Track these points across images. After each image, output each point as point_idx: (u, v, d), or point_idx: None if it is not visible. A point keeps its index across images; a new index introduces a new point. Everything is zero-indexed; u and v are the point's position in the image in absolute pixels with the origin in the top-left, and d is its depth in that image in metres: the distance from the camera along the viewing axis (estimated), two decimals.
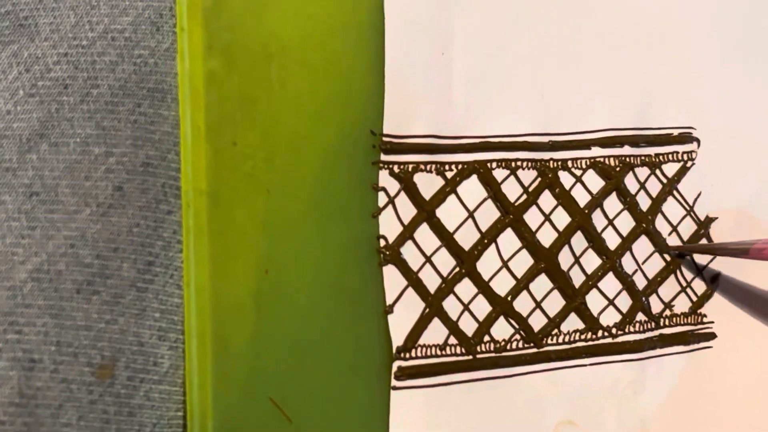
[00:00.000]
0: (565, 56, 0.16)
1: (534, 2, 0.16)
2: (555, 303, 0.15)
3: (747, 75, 0.18)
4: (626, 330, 0.16)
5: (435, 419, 0.15)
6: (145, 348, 0.14)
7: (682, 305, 0.16)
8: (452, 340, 0.14)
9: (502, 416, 0.15)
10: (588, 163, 0.16)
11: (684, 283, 0.16)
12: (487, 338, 0.15)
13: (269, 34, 0.14)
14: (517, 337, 0.15)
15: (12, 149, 0.14)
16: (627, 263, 0.16)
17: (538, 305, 0.15)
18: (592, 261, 0.16)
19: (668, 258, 0.16)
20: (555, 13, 0.16)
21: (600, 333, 0.15)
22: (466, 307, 0.14)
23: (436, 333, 0.14)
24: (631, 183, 0.16)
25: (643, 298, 0.16)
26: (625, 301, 0.16)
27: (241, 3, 0.14)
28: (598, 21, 0.17)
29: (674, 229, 0.17)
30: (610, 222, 0.16)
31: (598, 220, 0.16)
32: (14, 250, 0.14)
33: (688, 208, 0.17)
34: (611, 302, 0.16)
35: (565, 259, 0.15)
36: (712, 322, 0.17)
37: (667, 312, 0.16)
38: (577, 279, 0.15)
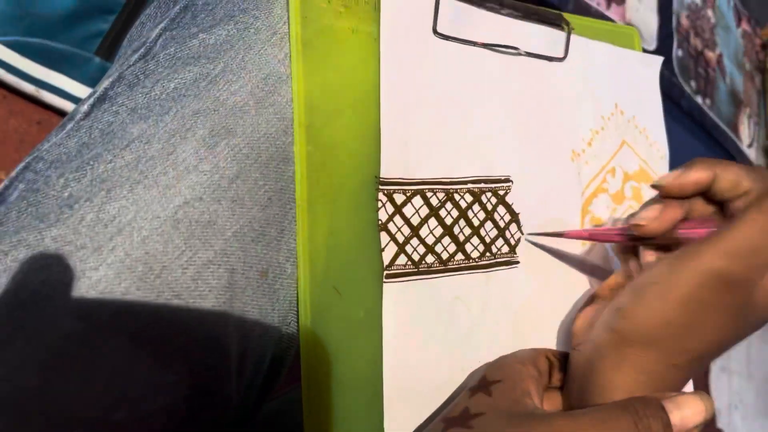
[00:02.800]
0: (459, 142, 0.33)
1: (449, 115, 0.33)
2: (451, 247, 0.32)
3: (543, 146, 0.37)
4: (484, 257, 0.34)
5: (402, 298, 0.30)
6: (281, 264, 0.29)
7: (506, 248, 0.35)
8: (407, 262, 0.32)
9: (431, 295, 0.31)
10: (465, 190, 0.34)
11: (508, 237, 0.35)
12: (423, 262, 0.32)
13: (333, 133, 0.30)
14: (436, 261, 0.32)
15: (223, 180, 0.28)
16: (483, 231, 0.35)
17: (444, 249, 0.33)
18: (465, 230, 0.33)
19: (501, 225, 0.35)
20: (456, 116, 0.33)
21: (471, 259, 0.33)
22: (414, 249, 0.32)
23: (402, 259, 0.32)
24: (484, 199, 0.35)
25: (492, 245, 0.34)
26: (481, 246, 0.34)
27: (320, 122, 0.31)
28: (478, 117, 0.36)
29: (493, 220, 0.36)
30: (475, 215, 0.34)
31: (470, 214, 0.34)
32: (224, 222, 0.27)
33: (505, 209, 0.36)
34: (475, 246, 0.34)
35: (457, 229, 0.34)
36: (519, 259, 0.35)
37: (499, 251, 0.35)
38: (461, 237, 0.33)
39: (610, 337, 0.26)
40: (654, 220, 0.28)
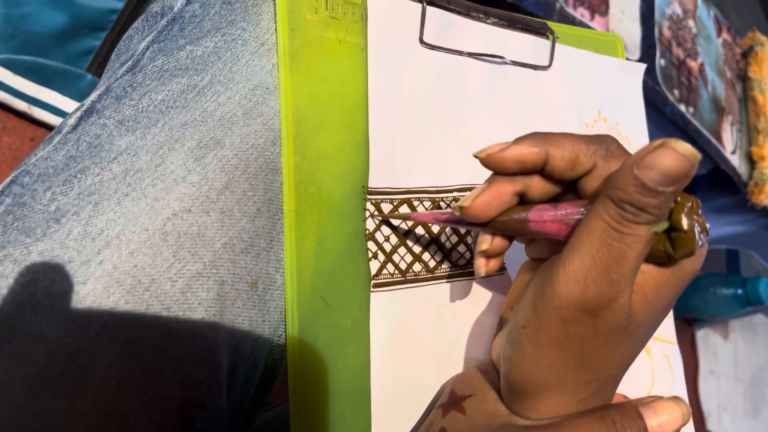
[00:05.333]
0: (446, 150, 0.33)
1: (435, 124, 0.33)
2: (438, 255, 0.33)
3: None
4: (471, 264, 0.34)
5: (390, 307, 0.30)
6: (270, 275, 0.29)
7: None
8: (395, 271, 0.32)
9: (418, 303, 0.31)
10: (452, 198, 0.34)
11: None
12: (410, 270, 0.32)
13: (320, 143, 0.30)
14: (423, 269, 0.32)
15: (212, 191, 0.27)
16: (470, 239, 0.35)
17: (431, 257, 0.33)
18: (452, 238, 0.33)
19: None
20: (442, 125, 0.34)
21: (458, 267, 0.33)
22: (401, 257, 0.33)
23: (389, 268, 0.32)
24: None
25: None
26: (467, 254, 0.34)
27: (308, 132, 0.31)
28: (465, 126, 0.36)
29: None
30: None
31: None
32: (213, 233, 0.27)
33: None
34: (462, 254, 0.34)
35: (443, 238, 0.34)
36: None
37: None
38: (448, 245, 0.34)
39: (507, 389, 0.25)
40: (475, 199, 0.24)
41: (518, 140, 0.24)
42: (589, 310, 0.21)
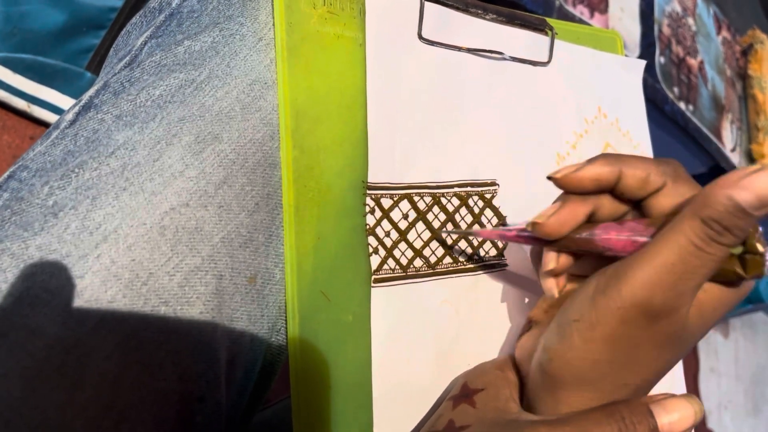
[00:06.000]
0: (445, 146, 0.33)
1: (435, 120, 0.33)
2: (439, 250, 0.32)
3: (528, 149, 0.37)
4: (472, 260, 0.34)
5: (391, 302, 0.30)
6: (269, 269, 0.29)
7: (493, 251, 0.35)
8: (395, 266, 0.32)
9: (419, 299, 0.31)
10: (452, 194, 0.34)
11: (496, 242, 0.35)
12: (411, 266, 0.32)
13: (319, 137, 0.30)
14: (424, 265, 0.32)
15: (210, 186, 0.27)
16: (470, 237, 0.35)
17: (432, 252, 0.33)
18: (454, 234, 0.34)
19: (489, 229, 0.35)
20: (441, 121, 0.34)
21: (459, 263, 0.33)
22: (402, 253, 0.32)
23: (390, 263, 0.32)
24: (471, 203, 0.35)
25: (479, 248, 0.35)
26: (468, 250, 0.34)
27: (306, 127, 0.31)
28: (464, 122, 0.35)
29: (482, 223, 0.36)
30: (462, 218, 0.35)
31: (458, 218, 0.35)
32: (211, 227, 0.26)
33: (492, 212, 0.36)
34: (463, 249, 0.34)
35: (444, 232, 0.34)
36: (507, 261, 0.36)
37: (486, 254, 0.35)
38: (449, 240, 0.34)
39: (542, 379, 0.25)
40: (551, 217, 0.25)
41: (592, 160, 0.25)
42: (652, 315, 0.22)
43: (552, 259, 0.26)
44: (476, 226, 0.33)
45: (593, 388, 0.23)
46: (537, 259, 0.29)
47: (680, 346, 0.23)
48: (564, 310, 0.24)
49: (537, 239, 0.27)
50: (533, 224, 0.25)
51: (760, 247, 0.22)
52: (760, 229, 0.22)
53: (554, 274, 0.27)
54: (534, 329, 0.28)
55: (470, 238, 0.34)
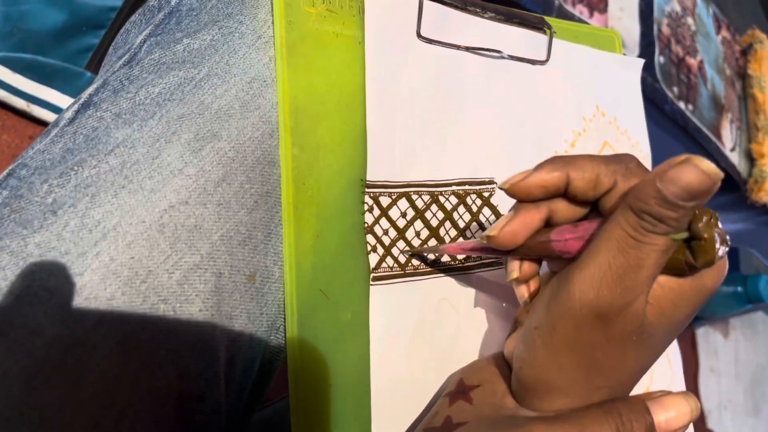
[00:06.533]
0: (444, 144, 0.33)
1: (433, 118, 0.33)
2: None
3: (526, 147, 0.38)
4: (470, 258, 0.34)
5: (389, 300, 0.30)
6: (268, 267, 0.29)
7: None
8: (394, 264, 0.32)
9: (418, 297, 0.31)
10: (450, 192, 0.34)
11: None
12: (410, 264, 0.32)
13: (318, 136, 0.30)
14: (422, 263, 0.32)
15: (209, 184, 0.27)
16: (469, 233, 0.35)
17: (431, 250, 0.33)
18: (451, 232, 0.34)
19: (487, 227, 0.35)
20: (440, 119, 0.34)
21: (457, 261, 0.33)
22: (401, 251, 0.32)
23: (388, 261, 0.32)
24: (469, 201, 0.35)
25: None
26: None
27: (306, 125, 0.31)
28: (462, 120, 0.35)
29: (481, 223, 0.36)
30: (460, 216, 0.35)
31: (456, 216, 0.35)
32: (210, 225, 0.26)
33: (490, 210, 0.36)
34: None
35: (442, 231, 0.34)
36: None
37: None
38: (447, 239, 0.34)
39: (518, 388, 0.25)
40: (503, 228, 0.25)
41: (539, 166, 0.25)
42: (602, 315, 0.21)
43: (515, 268, 0.26)
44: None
45: (565, 393, 0.23)
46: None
47: (645, 345, 0.23)
48: (528, 317, 0.24)
49: (495, 250, 0.26)
50: (487, 237, 0.25)
51: (704, 233, 0.20)
52: (713, 212, 0.21)
53: (521, 281, 0.27)
54: (518, 329, 0.28)
55: (468, 236, 0.34)
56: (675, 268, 0.22)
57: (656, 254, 0.21)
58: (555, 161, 0.25)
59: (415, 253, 0.32)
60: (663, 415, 0.23)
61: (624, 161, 0.24)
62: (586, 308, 0.21)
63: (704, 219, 0.21)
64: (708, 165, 0.19)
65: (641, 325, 0.22)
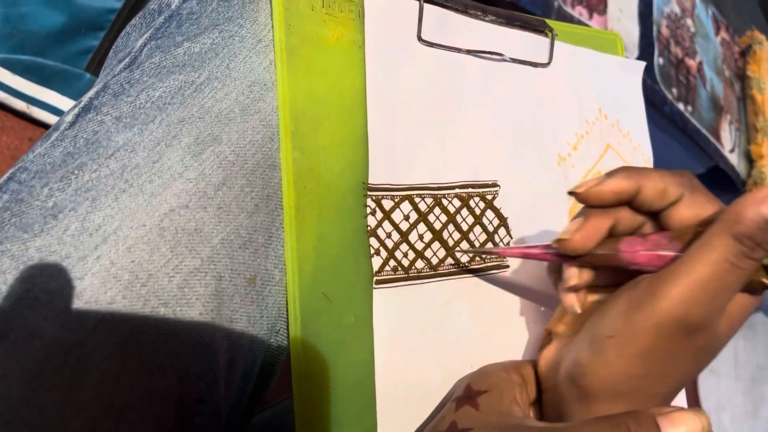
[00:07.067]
0: (446, 147, 0.33)
1: (435, 121, 0.33)
2: (441, 252, 0.32)
3: (529, 150, 0.37)
4: (474, 261, 0.34)
5: (393, 304, 0.30)
6: (269, 270, 0.29)
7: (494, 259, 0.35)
8: (397, 267, 0.32)
9: (421, 300, 0.31)
10: (453, 195, 0.34)
11: (497, 241, 0.35)
12: (413, 267, 0.31)
13: (319, 139, 0.30)
14: (426, 266, 0.32)
15: (209, 187, 0.27)
16: (472, 236, 0.35)
17: (434, 254, 0.33)
18: (455, 235, 0.33)
19: (490, 230, 0.35)
20: (442, 122, 0.33)
21: (461, 264, 0.33)
22: (404, 254, 0.32)
23: (391, 264, 0.32)
24: (472, 204, 0.35)
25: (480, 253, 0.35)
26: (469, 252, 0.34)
27: (306, 128, 0.30)
28: (464, 123, 0.35)
29: (488, 229, 0.36)
30: (464, 219, 0.34)
31: (459, 219, 0.34)
32: (210, 229, 0.26)
33: (493, 213, 0.36)
34: (465, 251, 0.34)
35: (446, 234, 0.34)
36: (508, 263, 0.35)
37: (489, 256, 0.35)
38: (450, 242, 0.33)
39: (574, 392, 0.25)
40: (575, 233, 0.26)
41: (611, 174, 0.26)
42: (688, 330, 0.22)
43: (574, 275, 0.27)
44: (490, 245, 0.33)
45: (625, 399, 0.24)
46: (555, 274, 0.29)
47: (711, 354, 0.24)
48: (594, 326, 0.25)
49: (562, 256, 0.27)
50: (559, 240, 0.26)
51: None
52: None
53: (576, 289, 0.27)
54: (556, 341, 0.28)
55: (471, 239, 0.34)
56: (752, 287, 0.23)
57: (745, 278, 0.22)
58: (628, 170, 0.26)
59: (475, 253, 0.32)
60: (673, 431, 0.22)
61: (688, 176, 0.26)
62: (673, 322, 0.22)
63: None
64: None
65: (717, 338, 0.23)
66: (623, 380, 0.24)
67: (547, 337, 0.29)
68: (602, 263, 0.26)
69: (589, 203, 0.26)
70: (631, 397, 0.24)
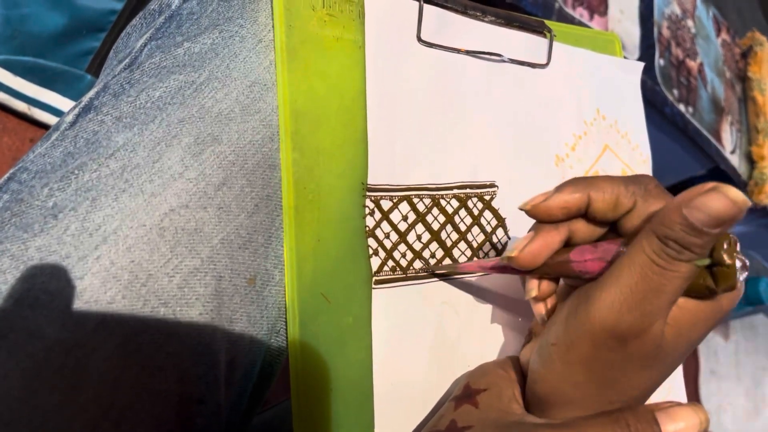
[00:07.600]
0: (444, 148, 0.33)
1: (434, 122, 0.33)
2: (439, 252, 0.33)
3: (527, 151, 0.38)
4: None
5: (391, 304, 0.30)
6: (269, 271, 0.29)
7: (493, 253, 0.35)
8: (395, 267, 0.32)
9: (419, 300, 0.31)
10: (452, 196, 0.34)
11: (495, 242, 0.35)
12: (411, 267, 0.32)
13: (319, 139, 0.30)
14: (424, 266, 0.32)
15: (209, 187, 0.27)
16: (470, 236, 0.35)
17: (432, 254, 0.33)
18: (453, 235, 0.34)
19: (488, 230, 0.35)
20: (441, 123, 0.33)
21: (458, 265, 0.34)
22: (402, 254, 0.32)
23: (390, 265, 0.32)
24: (470, 204, 0.35)
25: (479, 250, 0.35)
26: (468, 251, 0.34)
27: (306, 129, 0.30)
28: (463, 124, 0.35)
29: (483, 227, 0.36)
30: (462, 220, 0.35)
31: (457, 219, 0.35)
32: (210, 229, 0.26)
33: (491, 213, 0.36)
34: (463, 251, 0.34)
35: (444, 235, 0.34)
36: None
37: (486, 256, 0.35)
38: (449, 242, 0.34)
39: (531, 399, 0.25)
40: (524, 249, 0.25)
41: (559, 188, 0.25)
42: (621, 336, 0.21)
43: (534, 287, 0.26)
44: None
45: (579, 408, 0.23)
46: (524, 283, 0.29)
47: (660, 364, 0.23)
48: (544, 332, 0.25)
49: (515, 269, 0.27)
50: (508, 258, 0.26)
51: (727, 259, 0.21)
52: (733, 237, 0.21)
53: (539, 299, 0.27)
54: (533, 341, 0.28)
55: (470, 239, 0.34)
56: (695, 292, 0.22)
57: (678, 281, 0.21)
58: (576, 182, 0.25)
59: (433, 272, 0.32)
60: (672, 426, 0.22)
61: (643, 183, 0.24)
62: (605, 329, 0.21)
63: (725, 245, 0.21)
64: (736, 193, 0.19)
65: (658, 345, 0.22)
66: (571, 387, 0.23)
67: (528, 336, 0.29)
68: (556, 274, 0.26)
69: (539, 219, 0.26)
70: (582, 404, 0.23)
